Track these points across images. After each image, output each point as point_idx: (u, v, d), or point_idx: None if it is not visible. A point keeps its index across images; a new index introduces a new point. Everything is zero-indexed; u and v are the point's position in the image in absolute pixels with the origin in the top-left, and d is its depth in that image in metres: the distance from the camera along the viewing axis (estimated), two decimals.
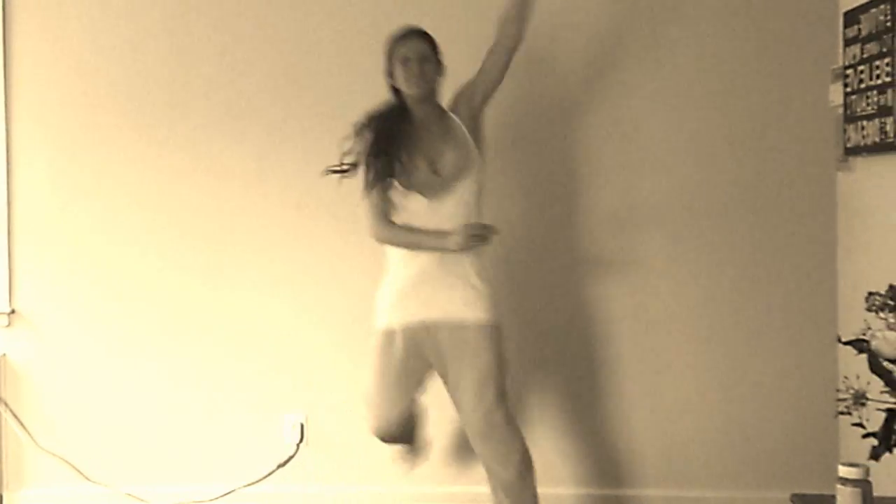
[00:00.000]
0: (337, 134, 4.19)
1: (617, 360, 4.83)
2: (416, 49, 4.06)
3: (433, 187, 4.04)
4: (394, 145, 4.07)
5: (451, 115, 4.13)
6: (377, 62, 4.10)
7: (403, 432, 4.39)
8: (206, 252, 4.90)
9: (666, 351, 4.81)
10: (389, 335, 4.13)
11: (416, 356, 4.14)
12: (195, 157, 4.88)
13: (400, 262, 4.13)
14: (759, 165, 4.75)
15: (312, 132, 4.77)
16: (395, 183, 4.04)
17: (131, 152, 4.89)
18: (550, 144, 4.79)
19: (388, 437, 4.36)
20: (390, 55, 4.11)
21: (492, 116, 4.25)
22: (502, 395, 4.06)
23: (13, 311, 4.92)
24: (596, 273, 4.82)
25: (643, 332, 4.81)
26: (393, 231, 4.10)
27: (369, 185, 4.07)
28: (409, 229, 4.07)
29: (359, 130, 4.15)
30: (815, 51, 4.69)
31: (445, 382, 4.17)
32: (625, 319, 4.82)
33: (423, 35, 4.11)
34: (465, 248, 4.00)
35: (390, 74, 4.13)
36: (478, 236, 3.99)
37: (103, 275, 4.92)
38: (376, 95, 4.16)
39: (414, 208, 4.05)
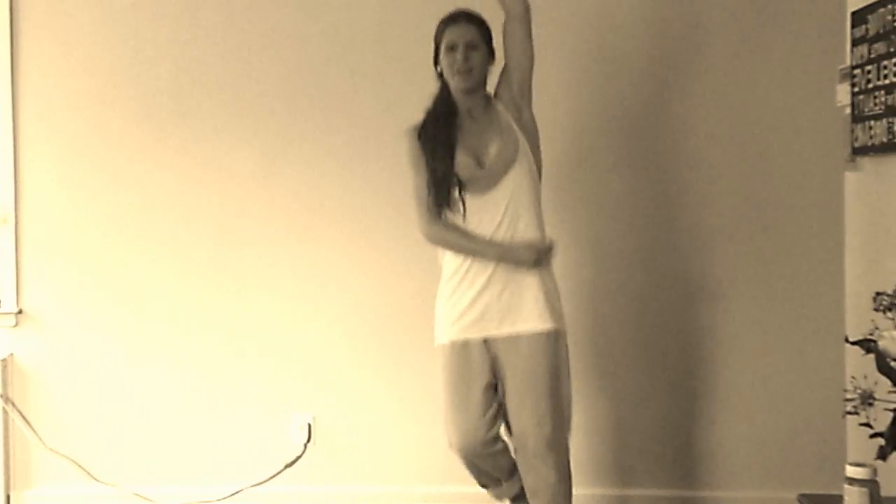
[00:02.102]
0: (345, 133, 4.19)
1: (622, 361, 4.84)
2: (464, 35, 3.83)
3: (479, 182, 3.83)
4: (443, 147, 3.85)
5: (497, 103, 3.93)
6: (385, 61, 4.07)
7: (494, 465, 4.04)
8: (213, 252, 4.90)
9: (673, 350, 4.81)
10: (453, 348, 3.91)
11: (483, 369, 3.90)
12: (202, 158, 4.89)
13: (457, 271, 3.91)
14: (767, 165, 4.75)
15: (320, 132, 4.77)
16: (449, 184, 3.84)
17: (138, 152, 4.90)
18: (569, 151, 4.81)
19: (475, 458, 3.98)
20: (437, 40, 3.89)
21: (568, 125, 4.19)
22: (557, 413, 3.86)
23: (20, 311, 4.93)
24: (612, 270, 4.83)
25: (653, 333, 4.82)
26: (447, 232, 3.87)
27: (427, 192, 3.87)
28: (466, 234, 3.84)
29: (412, 135, 3.94)
30: (823, 51, 4.68)
31: (503, 393, 3.94)
32: (632, 319, 4.83)
33: (471, 18, 3.87)
34: (530, 267, 3.81)
35: (436, 61, 3.92)
36: (543, 257, 3.82)
37: (110, 275, 4.92)
38: (385, 94, 4.15)
39: (463, 205, 3.85)
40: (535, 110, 3.97)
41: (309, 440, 4.89)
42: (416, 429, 4.80)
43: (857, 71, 4.34)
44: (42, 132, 4.91)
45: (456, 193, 3.85)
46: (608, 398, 4.84)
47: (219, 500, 4.89)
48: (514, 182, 3.84)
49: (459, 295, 3.90)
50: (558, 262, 4.01)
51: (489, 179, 3.83)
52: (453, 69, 3.84)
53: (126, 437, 4.94)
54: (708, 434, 4.81)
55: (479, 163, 3.85)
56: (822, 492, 4.09)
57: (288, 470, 4.90)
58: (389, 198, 4.63)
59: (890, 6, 4.02)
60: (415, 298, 4.64)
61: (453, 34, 3.85)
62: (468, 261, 3.88)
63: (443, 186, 3.86)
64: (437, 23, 3.94)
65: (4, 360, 4.90)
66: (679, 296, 4.81)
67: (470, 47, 3.83)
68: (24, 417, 4.94)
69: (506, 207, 3.84)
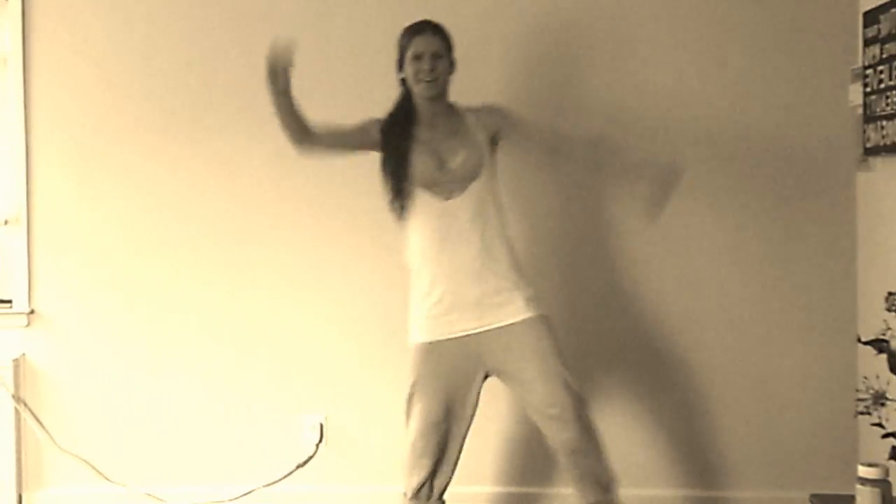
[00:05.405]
0: None
1: (633, 361, 4.84)
2: (429, 45, 3.96)
3: (441, 185, 3.95)
4: (402, 151, 4.00)
5: (464, 114, 4.06)
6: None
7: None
8: (225, 253, 4.90)
9: (686, 350, 4.80)
10: (430, 348, 4.00)
11: (464, 368, 4.00)
12: (214, 159, 4.89)
13: (428, 269, 4.01)
14: (779, 165, 4.73)
15: None
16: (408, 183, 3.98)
17: (150, 153, 4.90)
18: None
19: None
20: (403, 48, 4.02)
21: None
22: (570, 382, 3.93)
23: (32, 312, 4.93)
24: (613, 270, 4.83)
25: (664, 332, 4.81)
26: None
27: (390, 197, 4.03)
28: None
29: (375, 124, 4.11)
30: (835, 51, 4.67)
31: (508, 382, 4.05)
32: (640, 319, 4.82)
33: (437, 30, 4.01)
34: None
35: (400, 68, 4.05)
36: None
37: (122, 275, 4.92)
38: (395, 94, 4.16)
39: (428, 208, 3.97)
40: None
41: (321, 440, 4.89)
42: None
43: (869, 71, 4.35)
44: (53, 133, 4.91)
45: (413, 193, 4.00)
46: (606, 397, 4.85)
47: (230, 500, 4.89)
48: (480, 192, 3.96)
49: (435, 289, 3.99)
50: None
51: (453, 184, 3.95)
52: (419, 77, 3.96)
53: (138, 437, 4.94)
54: (720, 434, 4.80)
55: (442, 166, 3.96)
56: (834, 492, 4.09)
57: (300, 470, 4.90)
58: None
59: None
60: None
61: (419, 45, 3.97)
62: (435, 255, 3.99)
63: (396, 183, 4.01)
64: (403, 31, 4.05)
65: (16, 360, 4.90)
66: (684, 296, 4.80)
67: (435, 57, 3.96)
68: (35, 418, 4.94)
69: (472, 215, 3.95)
